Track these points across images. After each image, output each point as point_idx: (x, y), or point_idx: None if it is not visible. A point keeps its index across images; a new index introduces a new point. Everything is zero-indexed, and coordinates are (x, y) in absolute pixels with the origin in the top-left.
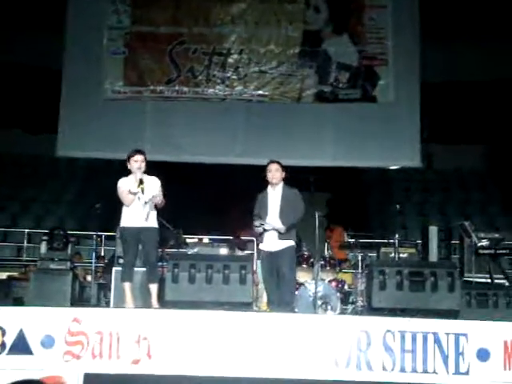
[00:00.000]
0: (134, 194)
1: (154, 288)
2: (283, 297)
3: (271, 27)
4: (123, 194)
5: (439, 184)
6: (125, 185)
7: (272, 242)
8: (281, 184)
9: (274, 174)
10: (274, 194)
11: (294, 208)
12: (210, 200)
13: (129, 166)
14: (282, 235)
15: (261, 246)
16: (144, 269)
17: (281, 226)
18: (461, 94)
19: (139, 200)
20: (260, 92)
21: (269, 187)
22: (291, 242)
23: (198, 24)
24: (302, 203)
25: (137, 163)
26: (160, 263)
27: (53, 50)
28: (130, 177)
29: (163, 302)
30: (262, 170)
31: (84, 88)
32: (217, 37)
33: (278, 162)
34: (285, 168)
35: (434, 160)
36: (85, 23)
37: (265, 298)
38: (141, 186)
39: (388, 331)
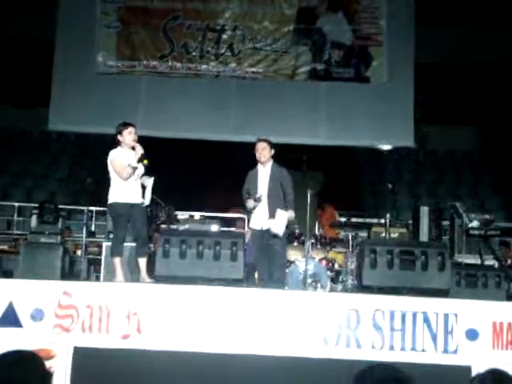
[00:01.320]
0: (134, 168)
1: (142, 262)
2: (274, 274)
3: (266, 4)
4: (120, 166)
5: (431, 165)
6: (120, 157)
7: (263, 220)
8: (270, 162)
9: (261, 152)
10: (264, 173)
11: (282, 186)
12: (202, 177)
13: (121, 139)
14: (271, 214)
15: (251, 224)
16: (133, 244)
17: (289, 215)
18: (455, 75)
19: (134, 175)
20: (254, 69)
21: (259, 165)
22: (278, 225)
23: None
24: (290, 180)
25: (131, 135)
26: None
27: (45, 21)
28: (122, 149)
29: (154, 277)
30: (254, 147)
31: (76, 61)
32: (211, 13)
33: (266, 140)
34: (274, 146)
35: (427, 141)
36: None
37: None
38: (144, 161)
39: (377, 310)
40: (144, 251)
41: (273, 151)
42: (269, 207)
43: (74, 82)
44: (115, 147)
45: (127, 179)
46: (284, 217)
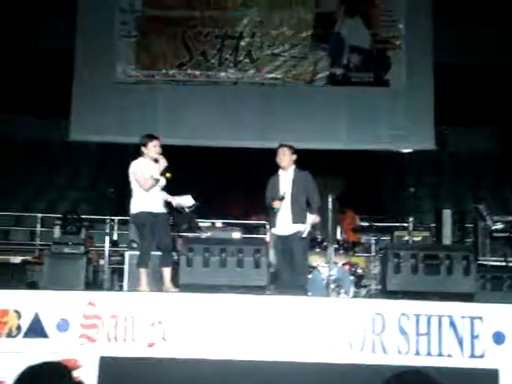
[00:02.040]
0: (157, 180)
1: (167, 272)
2: (296, 280)
3: (283, 10)
4: (142, 177)
5: (453, 167)
6: (143, 168)
7: (284, 226)
8: (292, 167)
9: (281, 157)
10: (286, 178)
11: (306, 191)
12: (223, 184)
13: (145, 151)
14: (294, 219)
15: (273, 230)
16: (157, 253)
17: (314, 218)
18: (475, 75)
19: (158, 186)
20: (272, 75)
21: (280, 170)
22: (304, 226)
23: (210, 7)
24: (315, 185)
25: (155, 148)
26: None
27: (65, 33)
28: (145, 161)
29: (177, 286)
30: (274, 153)
31: (96, 71)
32: (229, 20)
33: (287, 145)
34: (296, 151)
35: (448, 142)
36: (97, 6)
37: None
38: (167, 174)
39: (403, 314)
40: (168, 261)
41: (294, 156)
42: (292, 212)
43: (94, 91)
44: (136, 157)
45: (149, 190)
46: (310, 221)
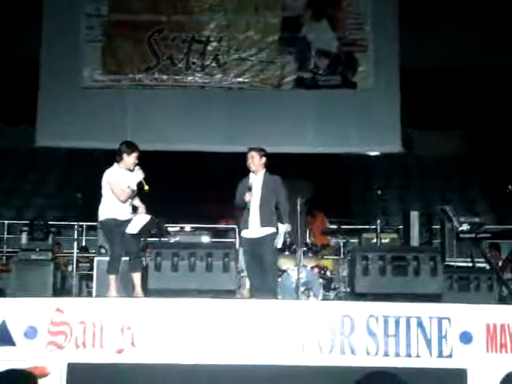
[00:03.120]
0: (134, 191)
1: (137, 277)
2: (266, 284)
3: (250, 14)
4: (118, 188)
5: (419, 169)
6: (118, 178)
7: (254, 229)
8: (262, 171)
9: (251, 160)
10: (256, 181)
11: (275, 195)
12: (191, 188)
13: (125, 158)
14: (263, 222)
15: (243, 234)
16: (126, 258)
17: (286, 228)
18: (441, 78)
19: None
20: (240, 79)
21: (251, 174)
22: (273, 229)
23: (176, 12)
24: (285, 190)
25: (135, 159)
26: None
27: (30, 39)
28: (120, 170)
29: (146, 291)
30: (243, 157)
31: (62, 77)
32: (196, 24)
33: (256, 149)
34: (266, 154)
35: (414, 145)
36: (62, 11)
37: (247, 285)
38: (145, 187)
39: (371, 316)
40: (137, 266)
41: (264, 159)
42: (260, 215)
43: (61, 97)
44: (111, 163)
45: (126, 201)
46: (283, 230)
